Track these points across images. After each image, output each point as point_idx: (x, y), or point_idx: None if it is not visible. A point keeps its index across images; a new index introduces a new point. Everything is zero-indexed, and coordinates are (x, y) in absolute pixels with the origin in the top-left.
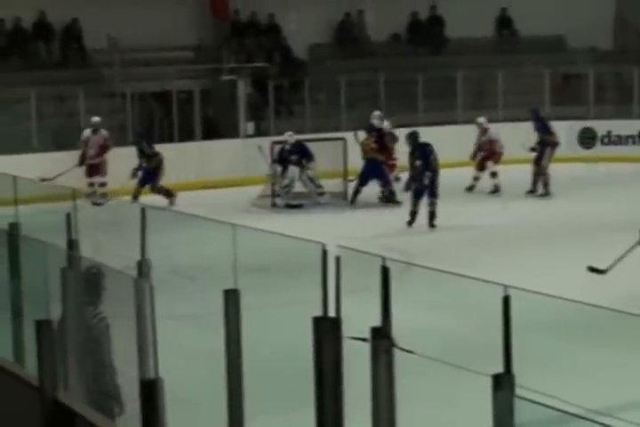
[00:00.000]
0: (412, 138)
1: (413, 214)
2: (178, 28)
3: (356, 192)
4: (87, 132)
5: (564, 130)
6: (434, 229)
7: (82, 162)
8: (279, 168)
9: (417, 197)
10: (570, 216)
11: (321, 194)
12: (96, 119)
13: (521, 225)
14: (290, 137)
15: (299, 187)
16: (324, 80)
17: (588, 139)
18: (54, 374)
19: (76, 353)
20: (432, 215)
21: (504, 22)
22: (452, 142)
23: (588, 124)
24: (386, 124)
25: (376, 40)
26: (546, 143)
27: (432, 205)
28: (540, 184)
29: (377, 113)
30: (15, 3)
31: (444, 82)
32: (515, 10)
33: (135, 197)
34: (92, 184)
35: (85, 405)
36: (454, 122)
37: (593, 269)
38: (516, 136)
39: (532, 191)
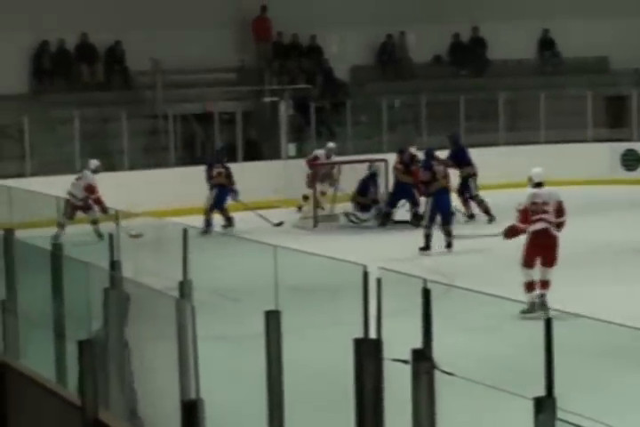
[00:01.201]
0: (425, 155)
1: (425, 238)
2: (220, 50)
3: (388, 214)
4: (92, 176)
5: (607, 152)
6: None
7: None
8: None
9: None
10: (611, 239)
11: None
12: (97, 163)
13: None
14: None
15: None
16: (366, 102)
17: (631, 161)
18: (96, 394)
19: (116, 373)
20: (426, 239)
21: (546, 44)
22: (493, 164)
23: (631, 145)
24: (412, 148)
25: (418, 62)
26: (469, 175)
27: (426, 228)
28: (480, 212)
29: (330, 145)
30: (59, 25)
31: (485, 104)
32: (557, 31)
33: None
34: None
35: (126, 423)
36: (496, 144)
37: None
38: (559, 158)
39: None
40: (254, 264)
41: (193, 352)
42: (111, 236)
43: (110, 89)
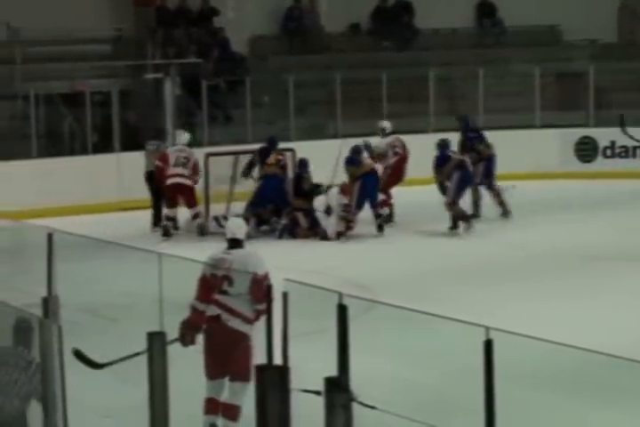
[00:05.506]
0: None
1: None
2: (92, 17)
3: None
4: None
5: (558, 140)
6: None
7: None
8: None
9: None
10: (557, 245)
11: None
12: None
13: (503, 255)
14: None
15: None
16: (269, 79)
17: (587, 151)
18: None
19: None
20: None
21: (486, 10)
22: (422, 155)
23: (587, 132)
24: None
25: (331, 31)
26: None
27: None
28: (495, 204)
29: None
30: None
31: (413, 82)
32: None
33: None
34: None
35: None
36: (425, 131)
37: None
38: (501, 147)
39: (474, 216)
40: (136, 276)
41: (60, 382)
42: None
43: None
